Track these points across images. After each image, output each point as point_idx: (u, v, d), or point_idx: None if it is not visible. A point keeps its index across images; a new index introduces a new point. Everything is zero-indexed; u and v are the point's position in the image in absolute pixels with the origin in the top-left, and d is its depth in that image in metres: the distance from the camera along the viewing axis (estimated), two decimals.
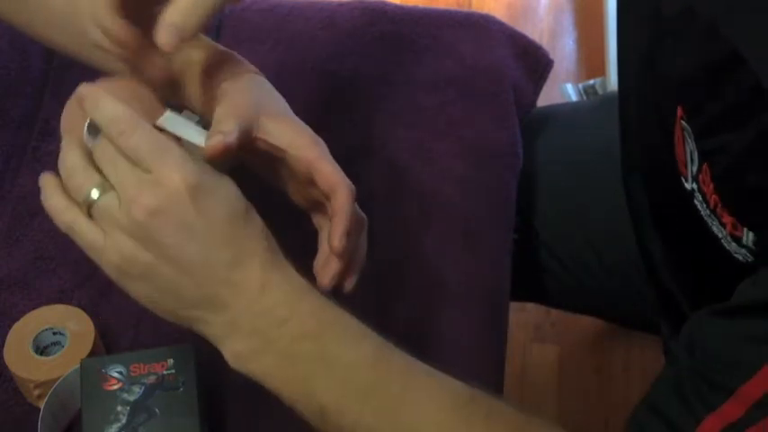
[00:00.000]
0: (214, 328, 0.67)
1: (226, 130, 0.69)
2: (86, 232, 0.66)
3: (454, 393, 0.68)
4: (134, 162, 0.65)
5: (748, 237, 0.68)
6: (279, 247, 0.68)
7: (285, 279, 0.67)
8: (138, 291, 0.67)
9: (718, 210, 0.69)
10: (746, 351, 0.60)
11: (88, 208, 0.66)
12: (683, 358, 0.65)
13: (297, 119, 0.76)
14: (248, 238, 0.66)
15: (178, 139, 0.68)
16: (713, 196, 0.70)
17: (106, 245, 0.65)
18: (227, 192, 0.67)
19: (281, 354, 0.67)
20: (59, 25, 0.80)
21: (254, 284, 0.66)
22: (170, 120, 0.69)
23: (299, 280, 0.68)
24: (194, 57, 0.77)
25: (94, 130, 0.67)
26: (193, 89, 0.77)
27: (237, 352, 0.67)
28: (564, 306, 1.27)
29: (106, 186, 0.65)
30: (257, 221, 0.68)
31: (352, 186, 0.72)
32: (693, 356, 0.64)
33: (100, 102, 0.66)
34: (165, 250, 0.64)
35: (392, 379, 0.67)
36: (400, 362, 0.68)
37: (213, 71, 0.76)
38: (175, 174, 0.64)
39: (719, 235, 0.71)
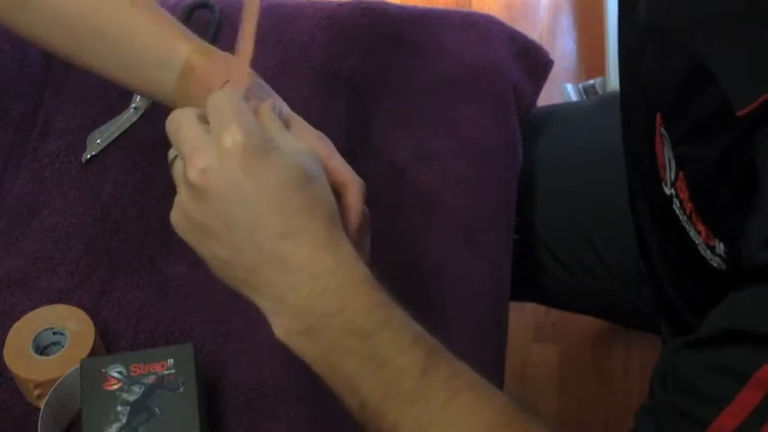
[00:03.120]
0: (262, 299, 0.66)
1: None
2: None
3: (493, 412, 0.66)
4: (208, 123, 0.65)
5: (720, 246, 0.68)
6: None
7: (340, 264, 0.65)
8: (199, 251, 0.67)
9: (694, 217, 0.70)
10: (717, 383, 0.59)
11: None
12: (657, 389, 0.64)
13: (300, 118, 0.76)
14: (301, 211, 0.64)
15: None
16: (689, 204, 0.70)
17: (175, 202, 0.67)
18: (288, 159, 0.65)
19: (328, 343, 0.65)
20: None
21: (303, 263, 0.64)
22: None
23: (356, 267, 0.66)
24: (195, 60, 0.77)
25: None
26: (194, 92, 0.77)
27: (283, 329, 0.65)
28: (564, 306, 1.27)
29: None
30: (320, 196, 0.66)
31: (363, 182, 0.72)
32: (665, 388, 0.63)
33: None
34: (215, 211, 0.64)
35: (437, 390, 0.65)
36: (447, 372, 0.66)
37: (213, 74, 0.76)
38: (234, 134, 0.63)
39: (696, 241, 0.71)
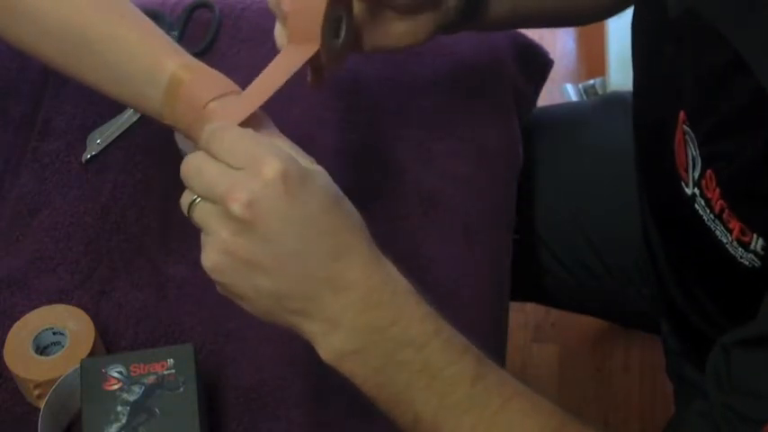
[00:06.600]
0: (312, 324, 0.65)
1: None
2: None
3: (544, 417, 0.67)
4: (226, 164, 0.64)
5: (757, 242, 0.67)
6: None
7: (389, 277, 0.66)
8: (241, 291, 0.65)
9: (725, 215, 0.69)
10: None
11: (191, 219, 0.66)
12: (712, 391, 0.64)
13: (285, 138, 0.74)
14: (345, 231, 0.65)
15: None
16: (719, 202, 0.69)
17: (204, 244, 0.65)
18: (322, 181, 0.65)
19: (382, 359, 0.65)
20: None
21: (355, 281, 0.64)
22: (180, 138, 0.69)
23: (402, 282, 0.67)
24: (181, 76, 0.76)
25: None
26: (180, 107, 0.76)
27: (335, 351, 0.65)
28: (564, 306, 1.27)
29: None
30: (353, 212, 0.66)
31: None
32: (721, 389, 0.63)
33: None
34: (263, 243, 0.63)
35: (489, 397, 0.66)
36: (496, 379, 0.67)
37: (199, 90, 0.75)
38: (270, 163, 0.63)
39: (724, 240, 0.70)
